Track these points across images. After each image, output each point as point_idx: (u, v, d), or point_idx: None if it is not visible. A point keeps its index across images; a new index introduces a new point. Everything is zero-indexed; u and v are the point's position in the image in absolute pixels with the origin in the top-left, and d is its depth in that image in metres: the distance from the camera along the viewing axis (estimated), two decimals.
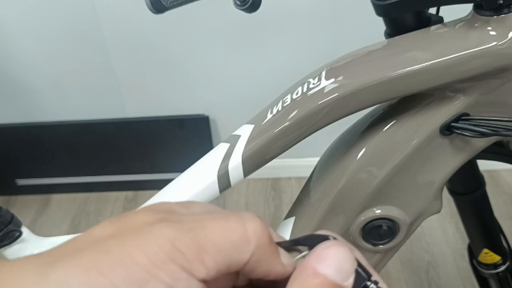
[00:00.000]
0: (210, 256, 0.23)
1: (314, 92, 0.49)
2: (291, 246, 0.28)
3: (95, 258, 0.22)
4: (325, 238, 0.27)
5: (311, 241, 0.27)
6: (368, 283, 0.26)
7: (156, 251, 0.22)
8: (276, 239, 0.27)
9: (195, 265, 0.23)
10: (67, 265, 0.22)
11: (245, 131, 0.53)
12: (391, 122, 0.53)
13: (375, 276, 0.26)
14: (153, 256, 0.22)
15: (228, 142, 0.54)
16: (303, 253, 0.27)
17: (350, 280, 0.24)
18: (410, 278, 1.35)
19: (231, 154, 0.52)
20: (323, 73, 0.50)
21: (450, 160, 0.53)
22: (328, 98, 0.48)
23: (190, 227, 0.24)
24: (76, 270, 0.21)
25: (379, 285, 0.26)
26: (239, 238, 0.24)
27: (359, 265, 0.27)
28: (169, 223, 0.24)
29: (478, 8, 0.45)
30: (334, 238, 0.27)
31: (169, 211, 0.25)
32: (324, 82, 0.49)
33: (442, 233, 1.48)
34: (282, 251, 0.27)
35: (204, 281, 0.23)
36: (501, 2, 0.43)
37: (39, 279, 0.21)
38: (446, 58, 0.45)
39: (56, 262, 0.22)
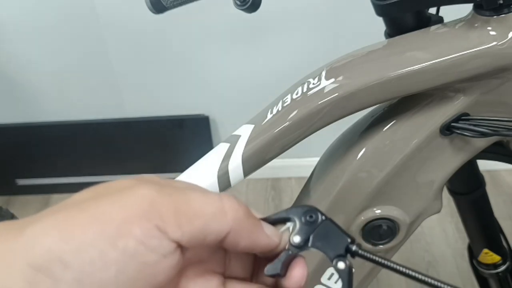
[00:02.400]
0: (187, 219, 0.24)
1: (314, 92, 0.49)
2: (275, 220, 0.28)
3: (70, 216, 0.23)
4: (306, 208, 0.28)
5: (294, 213, 0.28)
6: (351, 245, 0.27)
7: (132, 209, 0.23)
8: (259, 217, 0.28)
9: (171, 226, 0.23)
10: (42, 223, 0.23)
11: (245, 131, 0.53)
12: (391, 122, 0.53)
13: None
14: (129, 213, 0.23)
15: (228, 142, 0.54)
16: (287, 225, 0.28)
17: None
18: None
19: (231, 154, 0.52)
20: (323, 73, 0.50)
21: (450, 160, 0.53)
22: (328, 98, 0.48)
23: (171, 192, 0.24)
24: (50, 226, 0.22)
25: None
26: (217, 208, 0.25)
27: (340, 229, 0.27)
28: (150, 185, 0.24)
29: (478, 8, 0.45)
30: (316, 209, 0.28)
31: (152, 180, 0.26)
32: (324, 82, 0.49)
33: (442, 233, 1.48)
34: (266, 224, 0.27)
35: (181, 246, 0.24)
36: (501, 2, 0.43)
37: (15, 235, 0.22)
38: (446, 58, 0.45)
39: (33, 221, 0.23)
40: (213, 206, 0.25)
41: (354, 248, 0.27)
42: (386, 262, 0.28)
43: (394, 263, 0.28)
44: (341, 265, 0.27)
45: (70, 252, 0.22)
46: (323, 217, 0.28)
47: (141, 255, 0.22)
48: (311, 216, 0.28)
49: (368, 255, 0.28)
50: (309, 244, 0.27)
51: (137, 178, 0.26)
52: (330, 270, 0.55)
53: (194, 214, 0.24)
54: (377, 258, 0.28)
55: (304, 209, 0.28)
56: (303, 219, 0.28)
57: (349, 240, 0.27)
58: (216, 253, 0.28)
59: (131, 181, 0.25)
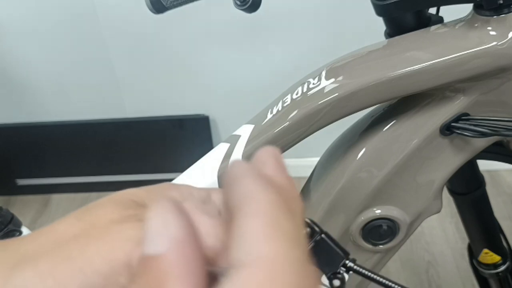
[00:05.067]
0: None
1: (314, 92, 0.49)
2: None
3: (54, 265, 0.21)
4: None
5: None
6: (347, 261, 0.27)
7: (118, 256, 0.22)
8: None
9: None
10: (26, 271, 0.21)
11: (245, 131, 0.53)
12: (391, 122, 0.53)
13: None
14: (115, 262, 0.22)
15: (228, 142, 0.54)
16: None
17: None
18: (410, 277, 1.35)
19: (231, 154, 0.52)
20: (323, 73, 0.50)
21: (450, 160, 0.53)
22: (328, 98, 0.48)
23: None
24: (34, 278, 0.21)
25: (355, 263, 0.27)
26: None
27: (336, 244, 0.27)
28: (136, 223, 0.23)
29: (478, 8, 0.45)
30: (312, 222, 0.27)
31: (139, 205, 0.25)
32: (324, 82, 0.49)
33: (442, 233, 1.48)
34: None
35: None
36: (501, 2, 0.43)
37: None
38: (446, 58, 0.45)
39: (18, 264, 0.22)
40: None
41: (349, 264, 0.27)
42: (378, 278, 0.28)
43: (387, 279, 0.28)
44: (336, 282, 0.27)
45: None
46: (319, 231, 0.27)
47: None
48: (306, 230, 0.27)
49: (363, 271, 0.28)
50: None
51: (122, 201, 0.24)
52: None
53: None
54: (370, 274, 0.28)
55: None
56: None
57: (344, 255, 0.28)
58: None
59: (117, 212, 0.23)
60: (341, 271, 0.27)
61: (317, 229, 0.27)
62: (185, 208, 0.20)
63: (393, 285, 0.28)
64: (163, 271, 0.17)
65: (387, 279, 0.28)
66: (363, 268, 0.28)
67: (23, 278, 0.21)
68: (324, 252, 0.27)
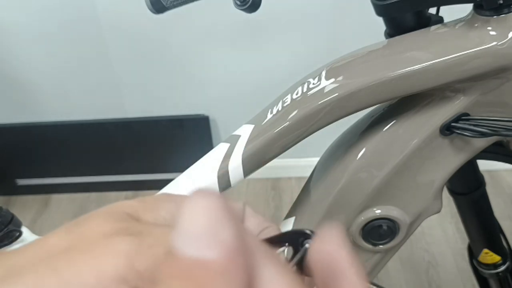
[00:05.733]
0: None
1: (314, 92, 0.49)
2: (270, 242, 0.27)
3: (40, 277, 0.21)
4: (303, 233, 0.27)
5: (290, 238, 0.27)
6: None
7: (108, 271, 0.21)
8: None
9: (150, 286, 0.21)
10: (11, 284, 0.21)
11: (245, 131, 0.53)
12: (391, 122, 0.53)
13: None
14: (104, 277, 0.21)
15: (228, 142, 0.54)
16: (281, 249, 0.27)
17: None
18: (410, 278, 1.35)
19: (231, 154, 0.52)
20: (323, 73, 0.50)
21: (450, 160, 0.53)
22: (328, 98, 0.48)
23: (152, 243, 0.22)
24: None
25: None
26: None
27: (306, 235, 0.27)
28: (128, 237, 0.22)
29: (478, 8, 0.45)
30: (314, 234, 0.26)
31: (132, 218, 0.24)
32: (324, 82, 0.49)
33: (442, 233, 1.48)
34: None
35: None
36: (501, 2, 0.43)
37: None
38: (446, 58, 0.45)
39: (3, 278, 0.21)
40: None
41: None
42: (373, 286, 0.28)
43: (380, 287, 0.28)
44: None
45: None
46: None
47: None
48: (307, 242, 0.26)
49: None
50: (304, 271, 0.27)
51: (114, 213, 0.24)
52: None
53: None
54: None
55: (301, 233, 0.27)
56: (299, 244, 0.26)
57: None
58: None
59: (108, 225, 0.23)
60: None
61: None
62: (237, 212, 0.18)
63: None
64: (208, 279, 0.16)
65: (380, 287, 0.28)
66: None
67: None
68: None
